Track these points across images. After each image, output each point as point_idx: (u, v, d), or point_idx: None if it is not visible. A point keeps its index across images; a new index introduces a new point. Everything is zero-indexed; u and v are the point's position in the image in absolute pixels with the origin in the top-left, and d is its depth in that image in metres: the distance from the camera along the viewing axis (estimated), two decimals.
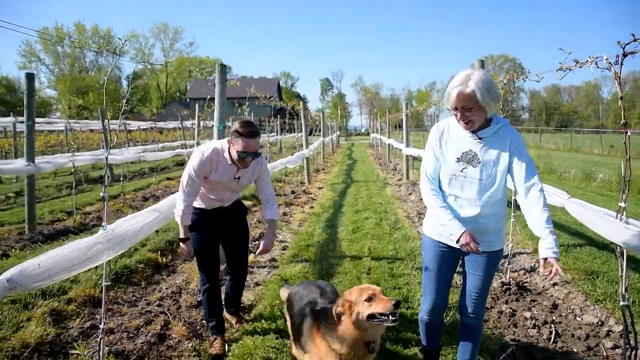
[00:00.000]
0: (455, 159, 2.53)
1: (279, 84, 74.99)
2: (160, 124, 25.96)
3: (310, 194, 11.33)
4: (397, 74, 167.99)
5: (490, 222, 2.56)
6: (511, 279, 4.84)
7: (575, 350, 3.49)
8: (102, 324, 2.95)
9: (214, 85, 4.88)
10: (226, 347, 3.56)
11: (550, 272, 2.28)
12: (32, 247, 6.28)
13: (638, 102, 67.31)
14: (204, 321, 3.97)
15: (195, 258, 3.60)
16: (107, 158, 2.93)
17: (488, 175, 2.46)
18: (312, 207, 9.43)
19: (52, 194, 11.30)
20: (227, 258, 3.78)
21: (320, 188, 12.40)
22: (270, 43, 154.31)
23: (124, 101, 3.10)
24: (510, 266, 5.03)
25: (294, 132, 26.84)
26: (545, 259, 2.32)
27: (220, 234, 3.59)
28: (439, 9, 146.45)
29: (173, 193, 4.29)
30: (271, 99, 11.18)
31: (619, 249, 2.86)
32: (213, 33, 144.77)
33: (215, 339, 3.57)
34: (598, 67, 2.89)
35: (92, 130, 27.75)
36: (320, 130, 21.98)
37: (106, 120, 3.07)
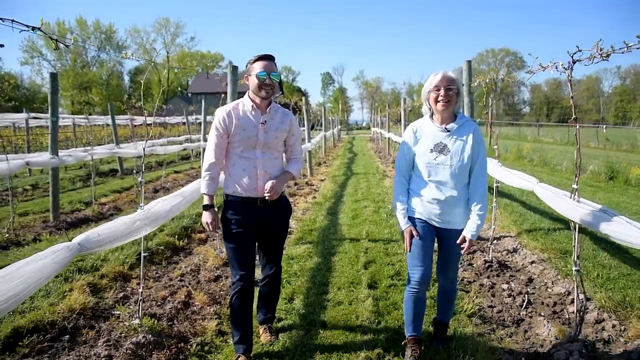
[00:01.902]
0: (429, 150, 3.04)
1: (280, 78, 75.20)
2: (166, 119, 26.51)
3: (313, 185, 11.88)
4: (398, 68, 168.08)
5: (462, 202, 3.07)
6: (494, 258, 5.40)
7: (542, 314, 4.06)
8: (141, 287, 3.54)
9: (226, 85, 5.43)
10: None
11: (466, 246, 3.02)
12: (59, 233, 6.87)
13: (639, 95, 67.77)
14: (221, 292, 4.54)
15: (224, 244, 3.24)
16: (144, 149, 3.51)
17: (457, 161, 2.98)
18: (314, 197, 9.97)
19: (67, 187, 11.89)
20: (261, 255, 3.47)
21: (322, 180, 12.95)
22: (272, 38, 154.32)
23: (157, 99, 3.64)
24: (493, 247, 5.59)
25: None
26: (464, 237, 3.02)
27: (257, 230, 3.24)
28: (442, 3, 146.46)
29: (181, 185, 4.72)
30: (277, 96, 11.67)
31: (572, 224, 3.42)
32: (214, 27, 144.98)
33: (239, 356, 3.19)
34: (557, 70, 3.44)
35: (96, 125, 28.31)
36: (321, 125, 22.49)
37: (150, 117, 3.58)
